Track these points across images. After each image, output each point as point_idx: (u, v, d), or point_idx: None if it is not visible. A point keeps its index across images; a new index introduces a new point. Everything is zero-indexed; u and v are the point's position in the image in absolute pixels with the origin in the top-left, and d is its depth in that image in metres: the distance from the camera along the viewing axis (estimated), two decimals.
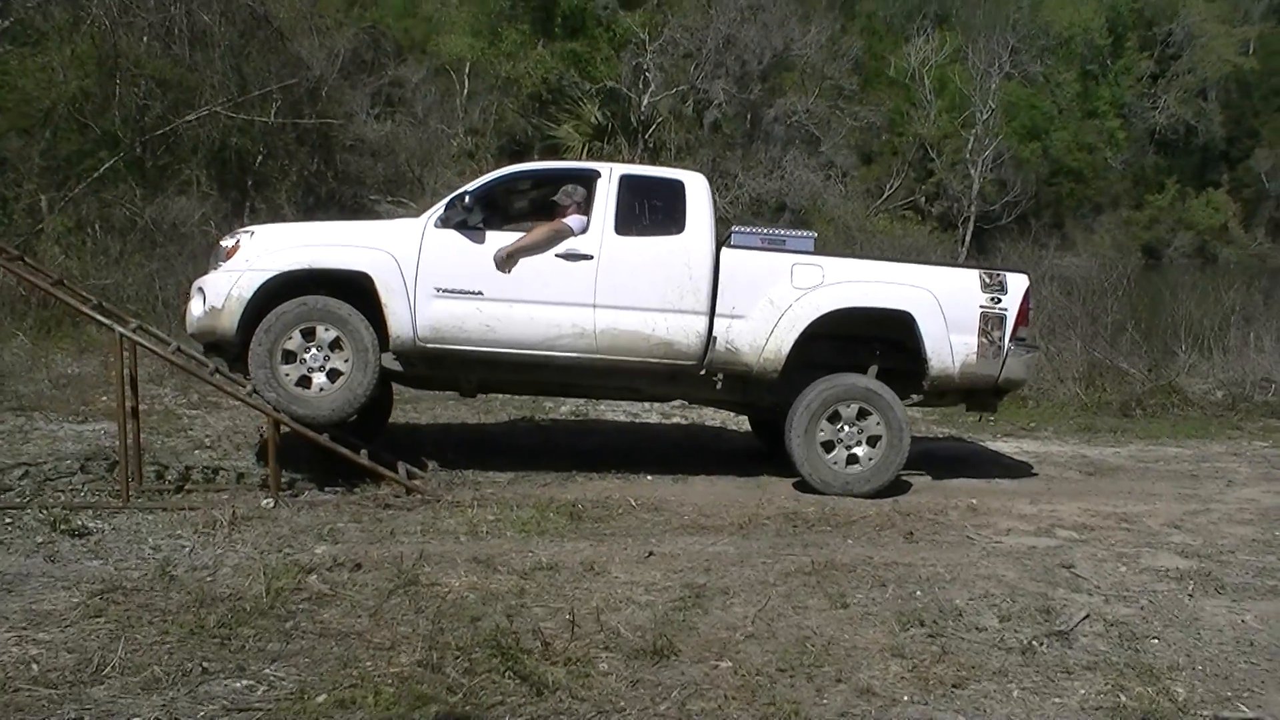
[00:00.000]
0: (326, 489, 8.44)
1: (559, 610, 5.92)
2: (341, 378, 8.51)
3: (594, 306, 8.87)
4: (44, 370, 12.50)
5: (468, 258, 8.80)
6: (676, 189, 9.28)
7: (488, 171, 10.02)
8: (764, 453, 10.81)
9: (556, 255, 8.89)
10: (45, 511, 7.18)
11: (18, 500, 7.57)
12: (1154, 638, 5.99)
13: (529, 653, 5.16)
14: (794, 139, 35.29)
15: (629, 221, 9.09)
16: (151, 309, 14.79)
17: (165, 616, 5.46)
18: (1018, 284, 9.45)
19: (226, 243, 8.85)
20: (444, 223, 8.82)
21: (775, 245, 9.51)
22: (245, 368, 8.58)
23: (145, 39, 21.41)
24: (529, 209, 9.85)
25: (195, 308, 8.70)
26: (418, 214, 9.37)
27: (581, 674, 5.05)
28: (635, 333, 8.93)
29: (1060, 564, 7.28)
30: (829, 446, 9.18)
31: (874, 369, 9.43)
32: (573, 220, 8.98)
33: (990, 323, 9.25)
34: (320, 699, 4.64)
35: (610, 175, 9.19)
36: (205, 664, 4.92)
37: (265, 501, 7.89)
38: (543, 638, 5.36)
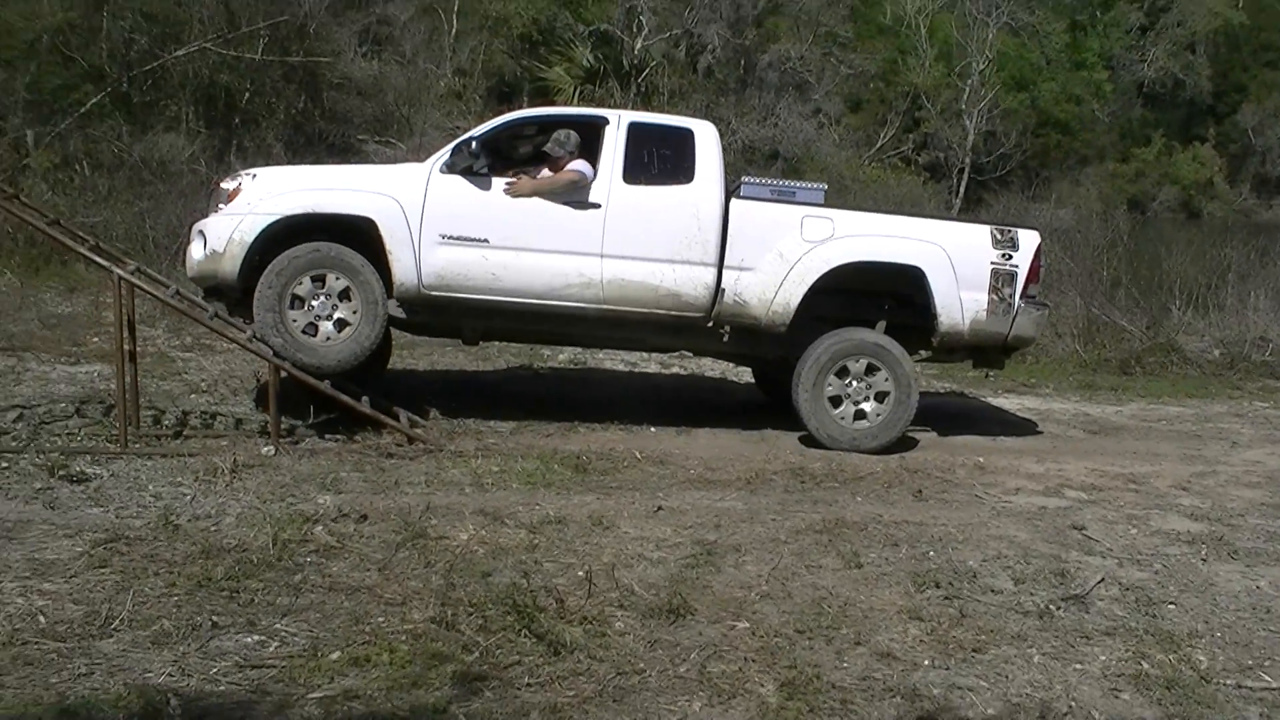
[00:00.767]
0: (327, 437, 8.31)
1: (570, 566, 5.84)
2: (349, 328, 8.38)
3: (601, 256, 8.73)
4: (33, 309, 12.31)
5: (474, 204, 8.64)
6: (686, 138, 9.11)
7: (475, 113, 9.86)
8: (768, 406, 10.72)
9: (564, 203, 8.74)
10: (42, 456, 7.05)
11: (14, 444, 7.42)
12: (1170, 603, 5.93)
13: (544, 610, 5.06)
14: (787, 86, 34.94)
15: (637, 170, 8.93)
16: (141, 248, 14.57)
17: (171, 568, 5.35)
18: (1029, 241, 9.33)
19: (228, 185, 8.65)
20: (450, 168, 8.65)
21: (785, 197, 9.34)
22: (245, 312, 8.43)
23: None
24: (534, 155, 9.68)
25: (195, 251, 8.53)
26: (405, 155, 9.20)
27: (598, 633, 4.96)
28: (642, 284, 8.80)
29: (1071, 525, 7.22)
30: (836, 401, 9.08)
31: (882, 324, 9.33)
32: (583, 166, 8.81)
33: (1001, 279, 9.14)
34: (334, 656, 4.54)
35: (619, 123, 9.02)
36: (215, 618, 4.81)
37: (265, 449, 7.77)
38: (557, 595, 5.26)
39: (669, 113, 9.89)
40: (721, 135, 9.29)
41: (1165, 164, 48.41)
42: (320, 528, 6.09)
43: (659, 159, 9.11)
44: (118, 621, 4.69)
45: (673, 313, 8.95)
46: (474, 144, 8.64)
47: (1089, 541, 6.91)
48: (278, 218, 8.32)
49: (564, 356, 12.80)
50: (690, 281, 8.87)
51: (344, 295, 8.40)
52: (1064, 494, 8.14)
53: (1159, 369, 15.42)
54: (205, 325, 8.46)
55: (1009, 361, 10.48)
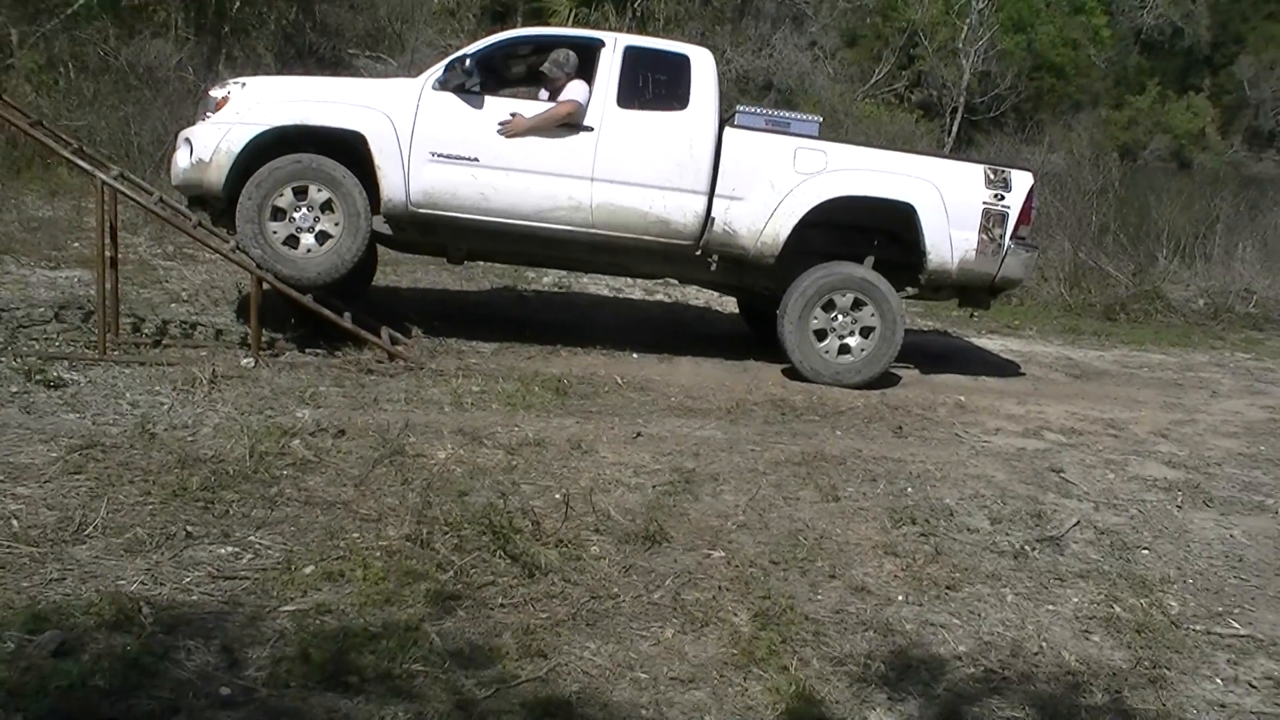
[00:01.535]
0: (307, 351, 8.26)
1: (547, 489, 5.84)
2: (330, 241, 8.28)
3: (591, 180, 8.64)
4: (14, 212, 12.16)
5: (465, 123, 8.53)
6: (682, 64, 8.99)
7: (468, 31, 9.73)
8: (752, 337, 10.69)
9: (556, 125, 8.64)
10: (20, 360, 6.96)
11: None
12: (1144, 548, 5.96)
13: (520, 532, 5.05)
14: (784, 17, 34.60)
15: (631, 95, 8.82)
16: (125, 154, 14.34)
17: (147, 476, 5.31)
18: (1022, 181, 9.27)
19: (216, 93, 8.50)
20: (442, 85, 8.53)
21: (779, 128, 9.22)
22: (230, 223, 8.34)
23: None
24: (528, 75, 9.56)
25: (181, 159, 8.40)
26: (397, 71, 9.08)
27: (574, 557, 4.96)
28: (632, 209, 8.73)
29: (1049, 468, 7.25)
30: (821, 335, 9.06)
31: (871, 260, 9.29)
32: (580, 93, 8.69)
33: (992, 220, 9.09)
34: (308, 570, 4.52)
35: (615, 46, 8.89)
36: (189, 528, 4.78)
37: (245, 360, 7.72)
38: (534, 517, 5.26)
39: (665, 39, 9.72)
40: (717, 64, 9.17)
41: (1159, 113, 48.24)
42: (298, 441, 6.06)
43: (654, 84, 8.99)
44: (91, 528, 4.66)
45: (661, 240, 8.89)
46: (468, 61, 8.50)
47: (1066, 484, 6.94)
48: (266, 129, 8.19)
49: (548, 279, 12.73)
50: (680, 209, 8.79)
51: (326, 207, 8.29)
52: (1043, 436, 8.16)
53: (1143, 316, 15.45)
54: (188, 234, 8.35)
55: (994, 303, 10.47)
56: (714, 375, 9.12)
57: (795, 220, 8.87)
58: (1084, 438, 8.21)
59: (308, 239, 8.29)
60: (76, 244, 10.86)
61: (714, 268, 9.20)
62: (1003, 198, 9.13)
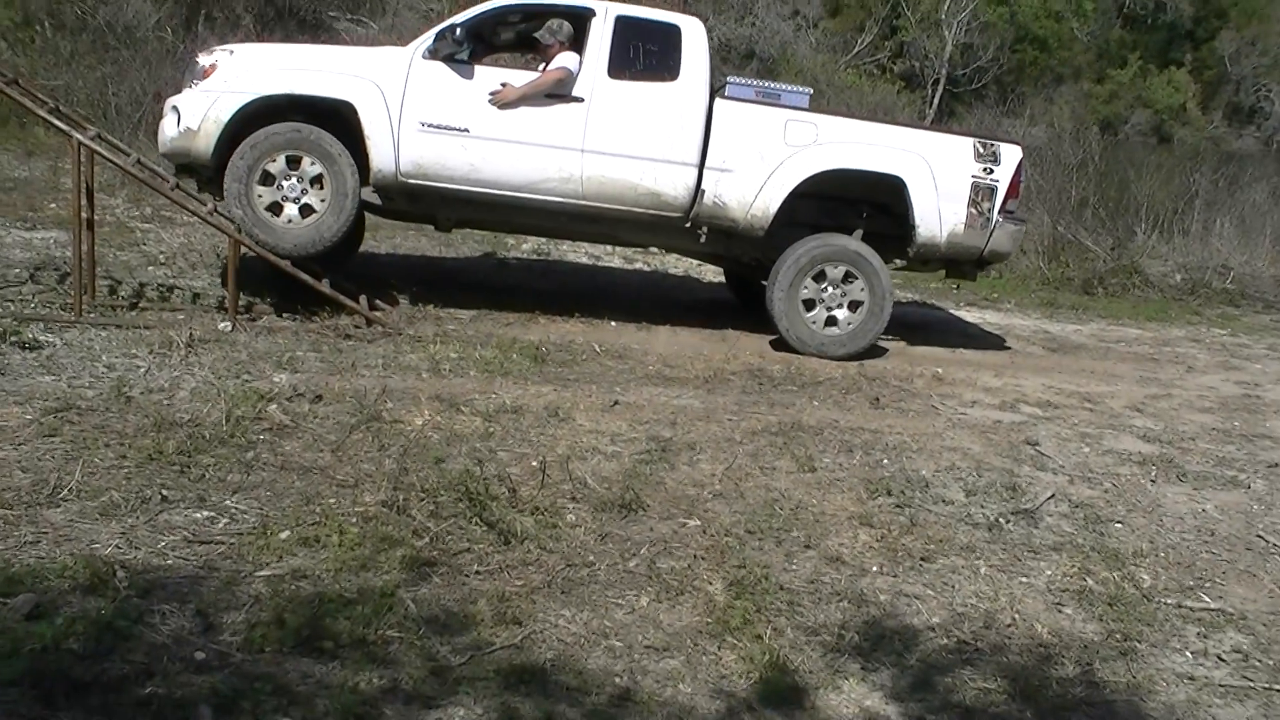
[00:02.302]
0: (285, 315, 8.23)
1: (524, 456, 5.84)
2: (313, 215, 8.25)
3: (582, 151, 8.61)
4: None
5: (455, 92, 8.49)
6: (673, 34, 8.93)
7: None
8: (732, 306, 10.71)
9: (547, 95, 8.59)
10: None
11: None
12: (1118, 522, 6.00)
13: (496, 499, 5.05)
14: None
15: (622, 65, 8.77)
16: (103, 114, 14.25)
17: (122, 439, 5.29)
18: (1010, 155, 9.30)
19: (204, 60, 8.41)
20: (432, 54, 8.47)
21: (770, 99, 9.22)
22: (216, 190, 8.30)
23: None
24: (517, 42, 9.50)
25: (169, 127, 8.31)
26: (378, 34, 9.01)
27: (549, 524, 4.96)
28: (622, 181, 8.71)
29: (1025, 440, 7.27)
30: (810, 305, 9.10)
31: (859, 232, 9.31)
32: (570, 62, 8.64)
33: (980, 193, 9.13)
34: (284, 535, 4.52)
35: (605, 15, 8.80)
36: (165, 492, 4.77)
37: (222, 324, 7.69)
38: (510, 484, 5.26)
39: (649, 6, 9.60)
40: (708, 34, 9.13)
41: (1140, 87, 48.20)
42: (274, 406, 6.04)
43: (644, 54, 8.92)
44: (66, 491, 4.64)
45: (651, 211, 8.88)
46: (458, 30, 8.44)
47: (1041, 457, 6.96)
48: (255, 97, 8.13)
49: (528, 246, 12.71)
50: (670, 181, 8.78)
51: (316, 181, 8.25)
52: (1019, 409, 8.19)
53: (1121, 290, 15.51)
54: (166, 196, 8.29)
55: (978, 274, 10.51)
56: (692, 344, 9.12)
57: (785, 193, 8.88)
58: (1060, 411, 8.25)
59: (291, 209, 8.25)
60: (53, 205, 10.79)
61: (703, 239, 9.22)
62: (991, 171, 9.15)
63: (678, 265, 12.84)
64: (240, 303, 7.98)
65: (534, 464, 5.66)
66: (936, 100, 35.76)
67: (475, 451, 5.77)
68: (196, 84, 8.29)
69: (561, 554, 4.73)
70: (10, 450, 5.03)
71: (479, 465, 5.43)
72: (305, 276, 8.04)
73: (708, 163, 8.85)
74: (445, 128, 8.46)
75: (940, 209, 9.09)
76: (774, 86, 9.56)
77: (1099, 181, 18.96)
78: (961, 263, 9.69)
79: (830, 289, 9.10)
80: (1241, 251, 17.21)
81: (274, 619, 3.84)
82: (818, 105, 10.45)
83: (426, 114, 8.43)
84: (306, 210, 8.27)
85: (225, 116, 8.09)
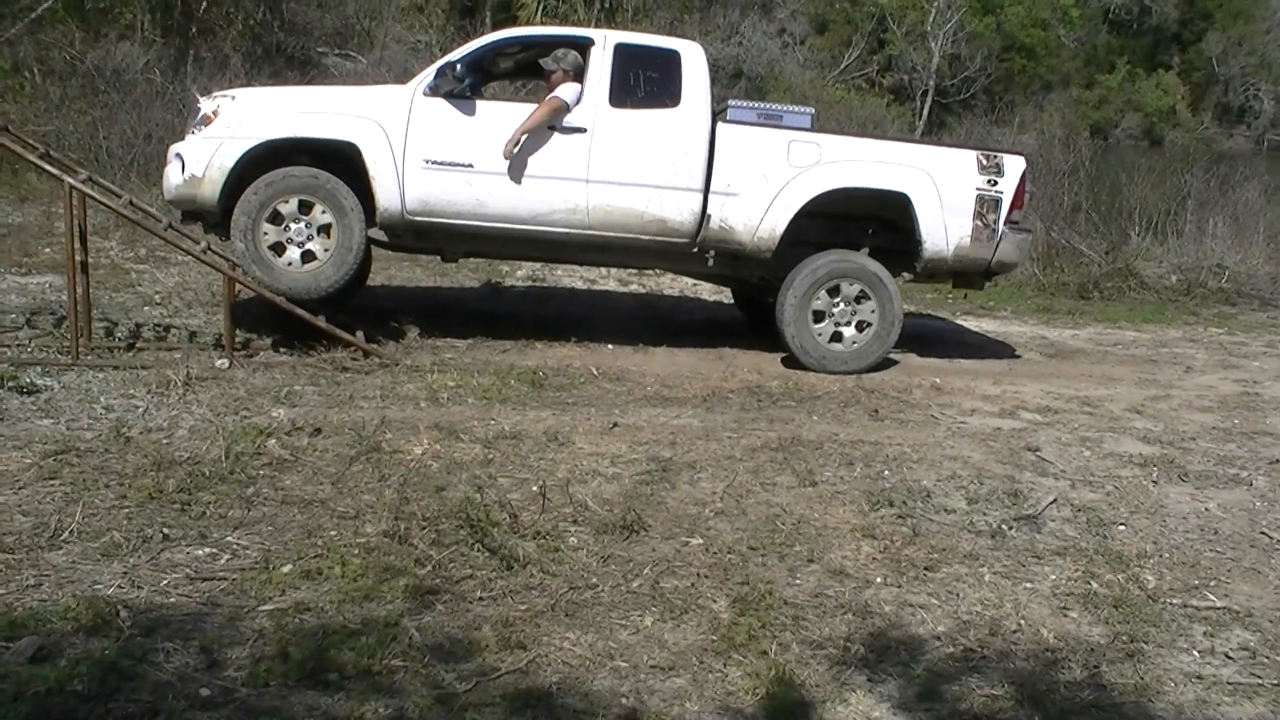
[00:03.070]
0: (282, 350, 8.24)
1: (525, 481, 5.84)
2: (314, 262, 8.29)
3: (587, 182, 8.64)
4: None
5: (458, 128, 8.51)
6: (672, 60, 8.94)
7: (437, 26, 9.72)
8: (744, 326, 10.75)
9: (549, 128, 8.61)
10: None
11: None
12: (1121, 524, 5.99)
13: (497, 525, 5.05)
14: (753, 4, 34.66)
15: (623, 93, 8.79)
16: (95, 158, 14.32)
17: (122, 480, 5.29)
18: (1014, 166, 9.35)
19: (206, 106, 8.41)
20: (433, 91, 8.49)
21: (772, 121, 9.24)
22: (222, 234, 8.34)
23: None
24: (519, 70, 9.56)
25: (173, 175, 8.35)
26: (366, 69, 9.07)
27: (551, 548, 4.96)
28: (628, 209, 8.74)
29: (1025, 447, 7.27)
30: (820, 316, 9.15)
31: (866, 249, 9.36)
32: (567, 93, 8.66)
33: (986, 205, 9.16)
34: (286, 569, 4.52)
35: (605, 44, 8.83)
36: (166, 530, 4.77)
37: (219, 362, 7.71)
38: (511, 510, 5.26)
39: (634, 30, 9.64)
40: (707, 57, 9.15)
41: (1129, 91, 48.38)
42: (274, 441, 6.04)
43: (645, 81, 8.93)
44: (67, 533, 4.64)
45: (658, 239, 8.91)
46: (458, 67, 8.46)
47: (1042, 463, 6.96)
48: (259, 142, 8.17)
49: (523, 273, 12.75)
50: (676, 207, 8.81)
51: (324, 230, 8.29)
52: (1019, 416, 8.20)
53: (1117, 294, 15.55)
54: (159, 236, 8.34)
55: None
56: (689, 364, 9.13)
57: (791, 214, 8.92)
58: (1060, 416, 8.25)
59: (294, 252, 8.29)
60: (47, 249, 10.83)
61: (711, 263, 9.25)
62: (995, 183, 9.19)
63: (673, 286, 12.87)
64: (237, 339, 8.01)
65: (534, 489, 5.66)
66: (926, 112, 35.92)
67: (475, 478, 5.78)
68: (200, 130, 8.32)
69: (564, 577, 4.72)
70: (11, 494, 5.04)
71: (479, 492, 5.44)
72: (301, 311, 8.07)
73: (712, 187, 8.87)
74: (450, 164, 8.48)
75: (946, 223, 9.12)
76: (775, 108, 9.58)
77: (1091, 186, 19.02)
78: (969, 274, 9.72)
79: (842, 305, 9.14)
80: (1236, 250, 17.25)
81: (278, 653, 3.83)
82: (820, 124, 10.46)
83: (430, 151, 8.45)
84: (308, 256, 8.30)
85: (230, 163, 8.13)
